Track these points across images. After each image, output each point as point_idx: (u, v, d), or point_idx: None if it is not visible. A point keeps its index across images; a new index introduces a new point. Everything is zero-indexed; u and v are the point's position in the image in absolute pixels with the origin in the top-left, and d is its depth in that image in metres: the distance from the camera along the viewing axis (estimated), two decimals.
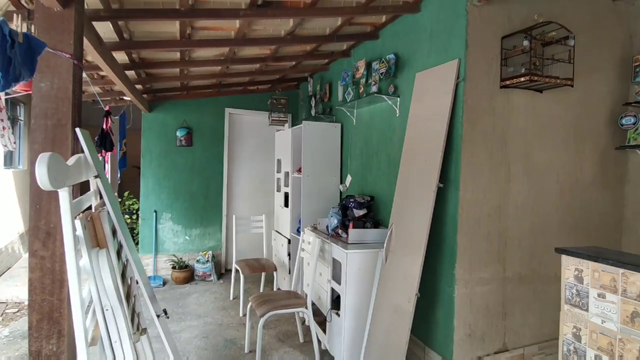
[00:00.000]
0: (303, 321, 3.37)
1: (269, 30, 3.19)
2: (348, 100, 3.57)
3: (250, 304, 2.97)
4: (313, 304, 3.00)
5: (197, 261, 4.92)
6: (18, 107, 5.83)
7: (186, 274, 4.79)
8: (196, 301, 4.16)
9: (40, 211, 1.65)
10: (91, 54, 2.60)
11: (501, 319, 2.48)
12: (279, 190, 4.56)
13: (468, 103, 2.35)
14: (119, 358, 1.57)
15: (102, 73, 3.72)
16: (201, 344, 3.16)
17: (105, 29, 2.69)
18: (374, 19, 3.14)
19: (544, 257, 2.57)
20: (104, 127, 3.95)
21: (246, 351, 3.02)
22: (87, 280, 1.52)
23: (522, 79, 2.27)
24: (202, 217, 5.12)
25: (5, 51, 1.09)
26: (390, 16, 3.05)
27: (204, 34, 3.12)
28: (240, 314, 3.75)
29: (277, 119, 4.77)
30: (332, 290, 2.91)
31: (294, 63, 4.23)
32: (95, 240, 1.65)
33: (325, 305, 2.96)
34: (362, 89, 3.37)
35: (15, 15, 1.71)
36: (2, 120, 3.00)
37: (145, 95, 4.63)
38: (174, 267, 4.81)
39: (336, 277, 2.86)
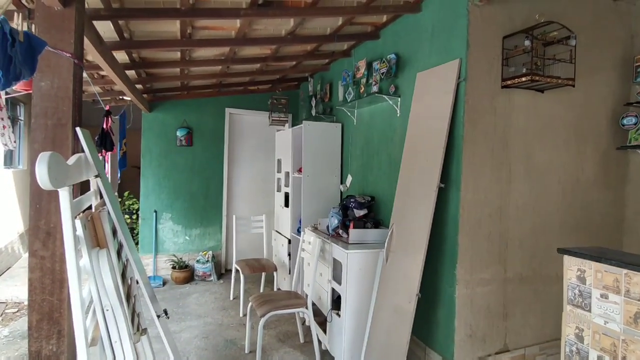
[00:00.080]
0: (303, 321, 3.37)
1: (269, 30, 3.19)
2: (349, 100, 3.56)
3: (250, 304, 2.96)
4: (313, 304, 3.00)
5: (197, 261, 4.91)
6: (18, 106, 5.83)
7: (186, 274, 4.78)
8: (196, 301, 4.16)
9: (41, 211, 1.65)
10: (91, 54, 2.59)
11: (502, 319, 2.48)
12: (279, 190, 4.55)
13: (469, 103, 2.34)
14: (119, 358, 1.56)
15: (102, 73, 3.72)
16: (201, 344, 3.15)
17: (105, 29, 2.68)
18: (375, 18, 3.14)
19: (545, 257, 2.57)
20: (104, 126, 3.94)
21: (246, 351, 3.01)
22: (87, 280, 1.52)
23: (524, 79, 2.26)
24: (202, 217, 5.11)
25: (5, 50, 1.08)
26: (391, 16, 3.04)
27: (204, 34, 3.11)
28: (241, 314, 3.75)
29: (278, 119, 4.76)
30: (333, 290, 2.90)
31: (294, 63, 4.23)
32: (96, 240, 1.64)
33: (326, 305, 2.96)
34: (363, 88, 3.36)
35: (15, 14, 1.71)
36: (2, 119, 3.00)
37: (145, 95, 4.62)
38: (174, 267, 4.80)
39: (337, 277, 2.85)
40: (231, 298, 4.21)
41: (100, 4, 2.30)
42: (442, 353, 2.47)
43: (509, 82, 2.36)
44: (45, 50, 1.50)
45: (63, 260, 1.64)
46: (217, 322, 3.59)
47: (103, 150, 3.95)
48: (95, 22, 2.43)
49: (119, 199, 5.71)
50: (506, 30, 2.41)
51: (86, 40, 2.12)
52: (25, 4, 1.97)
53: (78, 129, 1.71)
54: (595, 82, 2.69)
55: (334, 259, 2.89)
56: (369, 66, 3.32)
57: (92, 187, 1.89)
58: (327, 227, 3.11)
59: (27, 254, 5.36)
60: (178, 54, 3.53)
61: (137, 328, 1.86)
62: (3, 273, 4.85)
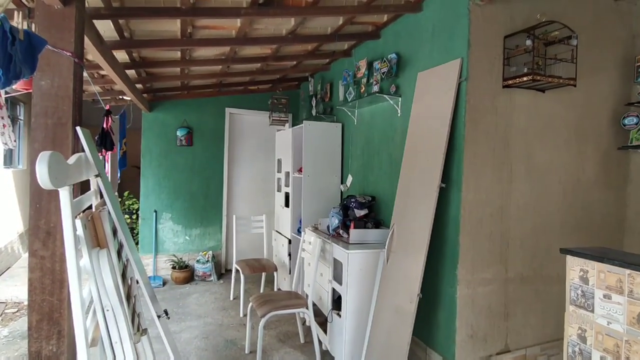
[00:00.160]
0: (304, 322, 3.36)
1: (270, 30, 3.18)
2: (349, 100, 3.56)
3: (250, 304, 2.95)
4: (314, 304, 2.99)
5: (197, 261, 4.90)
6: (18, 106, 5.82)
7: (186, 274, 4.77)
8: (196, 301, 4.15)
9: (41, 210, 1.64)
10: (92, 53, 2.59)
11: (503, 319, 2.47)
12: (279, 190, 4.55)
13: (470, 103, 2.34)
14: (120, 359, 1.56)
15: (102, 72, 3.71)
16: (201, 345, 3.14)
17: (105, 28, 2.67)
18: (376, 18, 3.13)
19: (546, 257, 2.56)
20: (105, 126, 3.93)
21: (247, 352, 3.00)
22: (88, 280, 1.51)
23: (525, 79, 2.26)
24: (202, 217, 5.10)
25: (5, 48, 1.08)
26: (392, 15, 3.04)
27: (204, 33, 3.10)
28: (241, 315, 3.74)
29: (278, 118, 4.76)
30: (333, 290, 2.90)
31: (294, 63, 4.22)
32: (96, 240, 1.63)
33: (326, 305, 2.95)
34: (364, 88, 3.35)
35: (15, 12, 1.70)
36: (2, 118, 2.99)
37: (145, 95, 4.62)
38: (174, 267, 4.79)
39: (337, 277, 2.85)
40: (231, 298, 4.20)
41: (100, 3, 2.29)
42: (443, 353, 2.47)
43: (510, 82, 2.36)
44: (46, 49, 1.49)
45: (63, 260, 1.63)
46: (217, 323, 3.58)
47: (103, 150, 3.95)
48: (95, 21, 2.42)
49: (119, 199, 5.71)
50: (507, 29, 2.40)
51: (86, 40, 2.11)
52: (25, 2, 1.96)
53: (78, 129, 1.70)
54: (596, 82, 2.69)
55: (335, 259, 2.88)
56: (370, 66, 3.31)
57: (92, 186, 1.89)
58: (328, 227, 3.11)
59: (26, 254, 5.35)
60: (178, 54, 3.53)
61: (138, 328, 1.86)
62: (3, 273, 4.84)
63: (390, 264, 2.63)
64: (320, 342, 2.90)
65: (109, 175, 4.20)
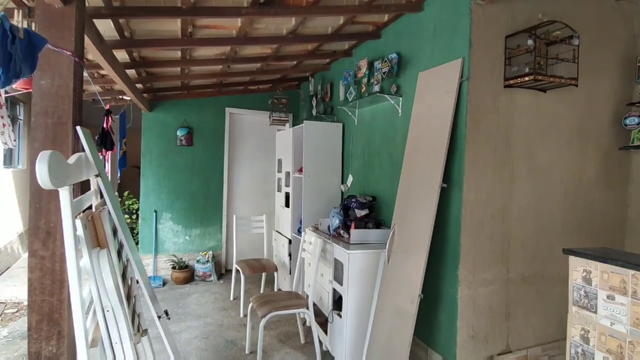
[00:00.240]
0: (304, 322, 3.35)
1: (270, 29, 3.17)
2: (350, 100, 3.55)
3: (251, 304, 2.95)
4: (314, 304, 2.98)
5: (197, 261, 4.90)
6: (18, 106, 5.81)
7: (186, 274, 4.76)
8: (196, 301, 4.14)
9: (40, 210, 1.63)
10: (92, 52, 2.58)
11: (504, 320, 2.47)
12: (279, 190, 4.54)
13: (472, 102, 2.33)
14: (120, 359, 1.55)
15: (102, 72, 3.70)
16: (201, 345, 3.13)
17: (106, 27, 2.67)
18: (377, 18, 3.12)
19: (547, 257, 2.55)
20: (105, 126, 3.92)
21: (247, 352, 2.99)
22: (88, 280, 1.50)
23: (527, 79, 2.25)
24: (202, 217, 5.10)
25: (5, 47, 1.07)
26: (393, 15, 3.03)
27: (205, 33, 3.10)
28: (241, 315, 3.73)
29: (278, 118, 4.75)
30: (334, 291, 2.89)
31: (295, 62, 4.21)
32: (96, 240, 1.63)
33: (327, 306, 2.94)
34: (364, 88, 3.35)
35: (15, 11, 1.69)
36: (2, 117, 2.98)
37: (145, 95, 4.61)
38: (174, 267, 4.78)
39: (338, 277, 2.84)
40: (231, 298, 4.19)
41: (100, 2, 2.29)
42: (444, 354, 2.46)
43: (511, 82, 2.35)
44: (46, 49, 1.49)
45: (63, 261, 1.62)
46: (218, 323, 3.57)
47: (103, 150, 3.94)
48: (95, 21, 2.41)
49: (119, 199, 5.70)
50: (509, 29, 2.39)
51: (86, 39, 2.11)
52: (26, 2, 1.96)
53: (78, 128, 1.70)
54: (597, 82, 2.68)
55: (335, 259, 2.87)
56: (371, 66, 3.31)
57: (93, 186, 1.88)
58: (328, 227, 3.10)
59: (26, 254, 5.33)
60: (178, 53, 3.52)
61: (138, 329, 1.85)
62: (2, 273, 4.83)
63: (391, 264, 2.62)
64: (320, 343, 2.89)
65: (109, 175, 4.19)
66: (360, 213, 3.05)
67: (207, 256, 4.91)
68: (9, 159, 5.56)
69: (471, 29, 2.31)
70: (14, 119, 5.58)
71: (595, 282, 1.43)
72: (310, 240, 3.10)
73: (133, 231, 5.19)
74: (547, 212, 2.56)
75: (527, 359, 2.53)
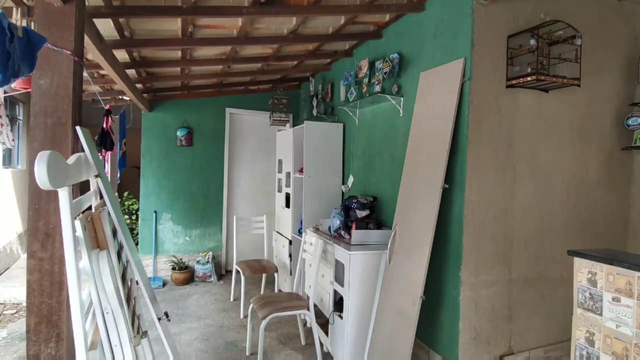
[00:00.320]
0: (305, 323, 3.33)
1: (271, 29, 3.16)
2: (350, 100, 3.54)
3: (251, 305, 2.93)
4: (315, 306, 2.97)
5: (197, 262, 4.88)
6: (17, 106, 5.79)
7: (186, 275, 4.74)
8: (196, 303, 4.12)
9: (39, 211, 1.61)
10: (92, 52, 2.56)
11: (507, 322, 2.45)
12: (280, 190, 4.53)
13: (474, 103, 2.32)
14: None
15: (102, 72, 3.69)
16: (201, 347, 3.11)
17: (105, 27, 2.65)
18: (378, 17, 3.11)
19: (550, 259, 2.54)
20: (104, 126, 3.90)
21: (247, 354, 2.98)
22: (87, 282, 1.48)
23: (529, 79, 2.24)
24: (202, 218, 5.08)
25: (4, 45, 1.05)
26: (394, 15, 3.02)
27: (205, 32, 3.08)
28: (241, 316, 3.71)
29: (279, 119, 4.74)
30: (335, 292, 2.88)
31: (295, 62, 4.20)
32: (96, 242, 1.61)
33: (328, 307, 2.93)
34: (365, 88, 3.33)
35: (14, 10, 1.68)
36: (0, 117, 2.96)
37: (145, 95, 4.59)
38: (173, 268, 4.76)
39: (339, 278, 2.82)
40: (231, 299, 4.18)
41: (100, 2, 2.27)
42: (446, 356, 2.44)
43: (513, 82, 2.34)
44: (45, 48, 1.47)
45: (62, 262, 1.60)
46: (218, 324, 3.56)
47: (103, 150, 3.92)
48: (95, 20, 2.40)
49: (119, 199, 5.68)
50: (511, 29, 2.38)
51: (86, 39, 2.09)
52: (25, 1, 1.94)
53: (78, 128, 1.68)
54: (600, 82, 2.67)
55: (336, 260, 2.86)
56: (372, 66, 3.29)
57: (92, 187, 1.86)
58: (329, 227, 3.09)
59: (25, 255, 5.32)
60: (179, 53, 3.51)
61: (138, 331, 1.83)
62: (2, 274, 4.81)
63: (393, 265, 2.61)
64: (321, 344, 2.88)
65: (108, 175, 4.18)
66: (361, 214, 3.03)
67: (207, 257, 4.90)
68: (8, 159, 5.55)
69: (473, 29, 2.30)
70: (13, 119, 5.56)
71: (601, 284, 1.42)
72: (311, 241, 3.08)
73: (133, 232, 5.18)
74: (549, 213, 2.55)
75: None
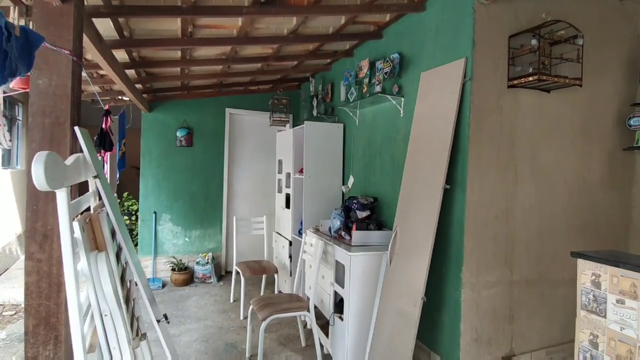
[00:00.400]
0: (305, 325, 3.32)
1: (271, 29, 3.15)
2: (351, 100, 3.52)
3: (251, 307, 2.91)
4: (315, 307, 2.95)
5: (197, 263, 4.86)
6: (16, 106, 5.78)
7: (186, 276, 4.73)
8: (196, 304, 4.11)
9: (37, 212, 1.60)
10: (91, 52, 2.55)
11: (508, 323, 2.44)
12: (280, 191, 4.51)
13: (475, 103, 2.30)
14: None
15: (101, 72, 3.67)
16: (201, 348, 3.10)
17: (105, 27, 2.64)
18: (378, 17, 3.10)
19: (551, 259, 2.53)
20: (104, 126, 3.88)
21: (247, 355, 2.96)
22: (85, 284, 1.47)
23: (531, 79, 2.23)
24: (202, 219, 5.06)
25: (0, 44, 1.04)
26: (395, 15, 3.01)
27: (205, 32, 3.07)
28: (241, 317, 3.70)
29: (279, 119, 4.72)
30: (335, 293, 2.86)
31: (295, 63, 4.19)
32: (94, 243, 1.59)
33: (328, 308, 2.91)
34: (366, 88, 3.32)
35: (12, 9, 1.66)
36: None
37: (145, 95, 4.58)
38: (173, 269, 4.75)
39: (339, 279, 2.81)
40: (231, 301, 4.16)
41: (99, 1, 2.26)
42: (447, 357, 2.43)
43: (515, 82, 2.32)
44: (43, 47, 1.46)
45: (60, 264, 1.59)
46: (217, 325, 3.54)
47: (102, 151, 3.90)
48: (94, 20, 2.38)
49: (118, 200, 5.66)
50: (512, 29, 2.37)
51: (85, 39, 2.08)
52: (23, 0, 1.92)
53: (76, 128, 1.66)
54: (601, 82, 2.66)
55: (337, 261, 2.84)
56: (372, 66, 3.28)
57: (91, 188, 1.85)
58: (329, 228, 3.07)
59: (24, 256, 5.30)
60: (178, 53, 3.49)
61: (136, 333, 1.82)
62: (1, 275, 4.79)
63: (394, 266, 2.59)
64: (321, 346, 2.86)
65: (107, 176, 4.16)
66: (362, 214, 3.02)
67: (206, 258, 4.88)
68: (7, 160, 5.53)
69: (474, 29, 2.29)
70: (12, 119, 5.55)
71: (605, 286, 1.40)
72: (311, 242, 3.07)
73: (132, 232, 5.16)
74: (551, 214, 2.53)
75: None
